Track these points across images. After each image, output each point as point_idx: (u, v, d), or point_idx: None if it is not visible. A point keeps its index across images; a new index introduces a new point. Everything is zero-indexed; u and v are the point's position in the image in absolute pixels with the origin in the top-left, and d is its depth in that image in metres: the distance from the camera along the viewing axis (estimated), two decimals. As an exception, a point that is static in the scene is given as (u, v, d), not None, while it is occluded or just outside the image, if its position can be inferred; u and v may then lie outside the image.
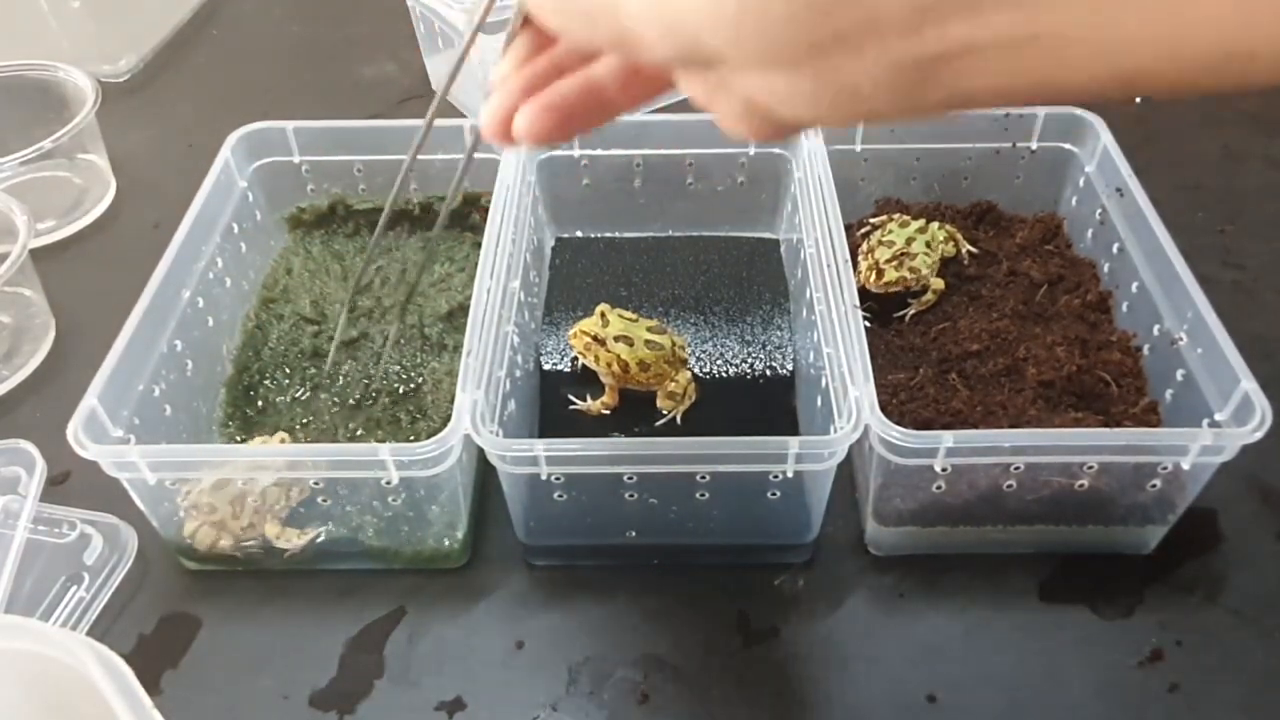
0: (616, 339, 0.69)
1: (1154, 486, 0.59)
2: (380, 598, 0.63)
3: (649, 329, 0.70)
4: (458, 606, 0.63)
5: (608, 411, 0.71)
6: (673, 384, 0.71)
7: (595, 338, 0.69)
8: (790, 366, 0.74)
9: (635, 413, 0.71)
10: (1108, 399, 0.68)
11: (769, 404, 0.72)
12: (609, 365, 0.69)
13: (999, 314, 0.74)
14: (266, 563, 0.64)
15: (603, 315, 0.70)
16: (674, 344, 0.71)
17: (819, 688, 0.58)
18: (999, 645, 0.60)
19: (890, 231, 0.78)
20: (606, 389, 0.71)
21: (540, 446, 0.55)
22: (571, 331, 0.70)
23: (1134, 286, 0.71)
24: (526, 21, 0.33)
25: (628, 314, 0.71)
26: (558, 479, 0.59)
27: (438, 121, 0.82)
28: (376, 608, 0.63)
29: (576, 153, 0.81)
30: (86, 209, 0.93)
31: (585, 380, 0.72)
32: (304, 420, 0.71)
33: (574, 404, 0.71)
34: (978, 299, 0.77)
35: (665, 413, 0.71)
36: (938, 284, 0.76)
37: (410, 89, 1.09)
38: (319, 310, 0.78)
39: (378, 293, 0.80)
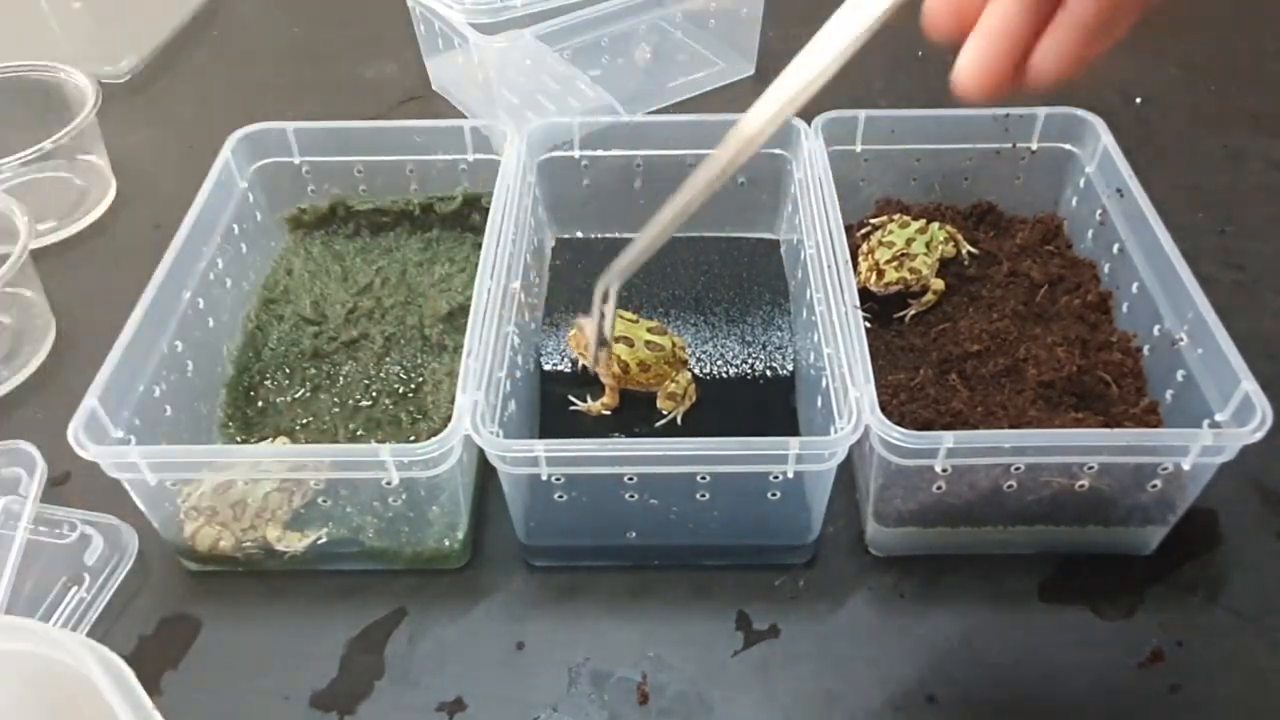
0: (617, 340, 0.69)
1: (1154, 487, 0.59)
2: (381, 598, 0.63)
3: (649, 330, 0.70)
4: (458, 607, 0.63)
5: (608, 412, 0.71)
6: (673, 385, 0.71)
7: None
8: (790, 367, 0.74)
9: (635, 413, 0.71)
10: (1108, 399, 0.68)
11: (769, 404, 0.72)
12: (609, 366, 0.69)
13: (999, 314, 0.74)
14: (267, 563, 0.64)
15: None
16: (674, 345, 0.71)
17: (819, 688, 0.58)
18: (999, 645, 0.60)
19: (890, 232, 0.78)
20: (607, 389, 0.71)
21: (540, 447, 0.55)
22: (571, 332, 0.70)
23: (1134, 287, 0.71)
24: None
25: (628, 315, 0.71)
26: (558, 479, 0.59)
27: (437, 121, 0.82)
28: (377, 608, 0.63)
29: (576, 153, 0.81)
30: (87, 210, 0.93)
31: (585, 381, 0.72)
32: (304, 421, 0.71)
33: (574, 405, 0.71)
34: (978, 299, 0.77)
35: (666, 413, 0.71)
36: (938, 284, 0.76)
37: (410, 89, 1.09)
38: (319, 311, 0.78)
39: (378, 293, 0.80)
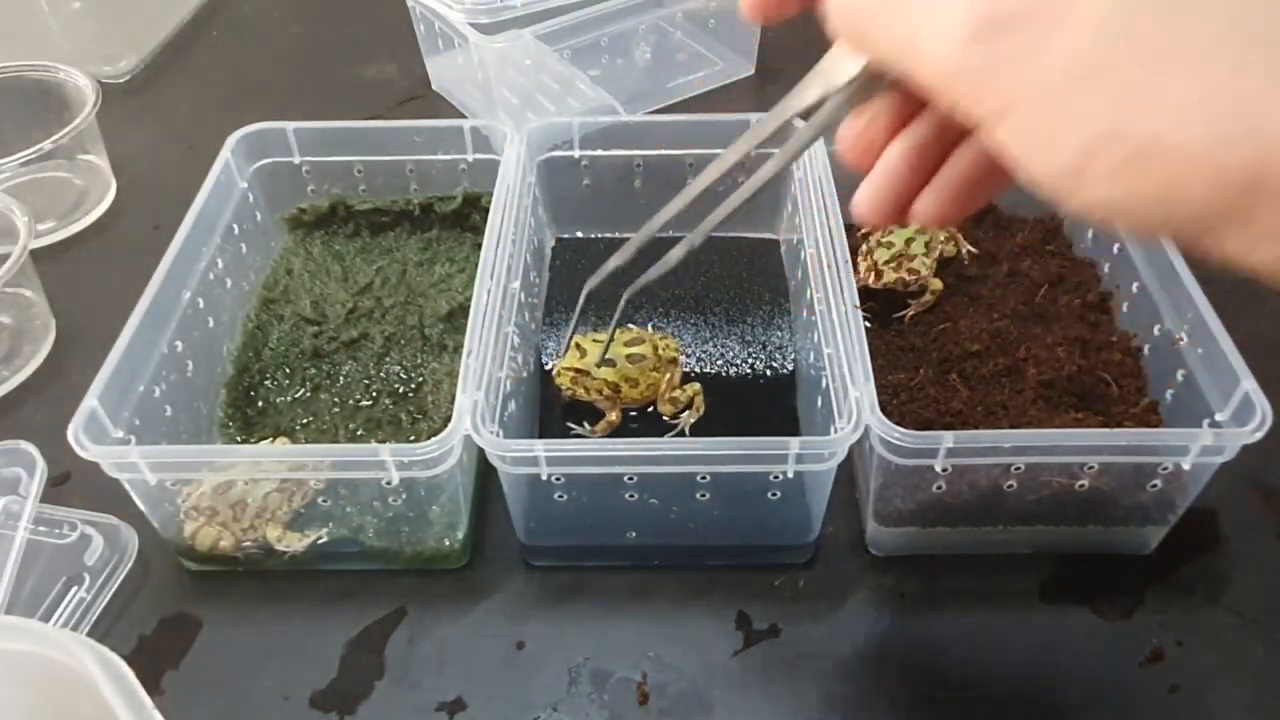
0: (599, 366, 0.68)
1: (1154, 487, 0.59)
2: (381, 598, 0.63)
3: (625, 343, 0.70)
4: (458, 607, 0.63)
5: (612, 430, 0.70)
6: (676, 390, 0.70)
7: (578, 371, 0.68)
8: (790, 367, 0.74)
9: (638, 416, 0.71)
10: (1108, 399, 0.68)
11: (769, 404, 0.72)
12: (600, 392, 0.69)
13: (999, 314, 0.74)
14: (267, 563, 0.64)
15: (578, 347, 0.69)
16: (656, 347, 0.70)
17: (819, 688, 0.58)
18: (999, 645, 0.60)
19: (890, 232, 0.78)
20: (607, 410, 0.70)
21: (540, 447, 0.55)
22: (555, 372, 0.69)
23: (1134, 287, 0.71)
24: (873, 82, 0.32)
25: (599, 336, 0.71)
26: (558, 479, 0.59)
27: (437, 121, 0.82)
28: (377, 608, 0.63)
29: (576, 153, 0.81)
30: (87, 210, 0.93)
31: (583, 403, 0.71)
32: (304, 421, 0.71)
33: (579, 433, 0.70)
34: (978, 299, 0.77)
35: (668, 418, 0.71)
36: (936, 284, 0.76)
37: (410, 89, 1.09)
38: (319, 311, 0.78)
39: (378, 293, 0.80)
